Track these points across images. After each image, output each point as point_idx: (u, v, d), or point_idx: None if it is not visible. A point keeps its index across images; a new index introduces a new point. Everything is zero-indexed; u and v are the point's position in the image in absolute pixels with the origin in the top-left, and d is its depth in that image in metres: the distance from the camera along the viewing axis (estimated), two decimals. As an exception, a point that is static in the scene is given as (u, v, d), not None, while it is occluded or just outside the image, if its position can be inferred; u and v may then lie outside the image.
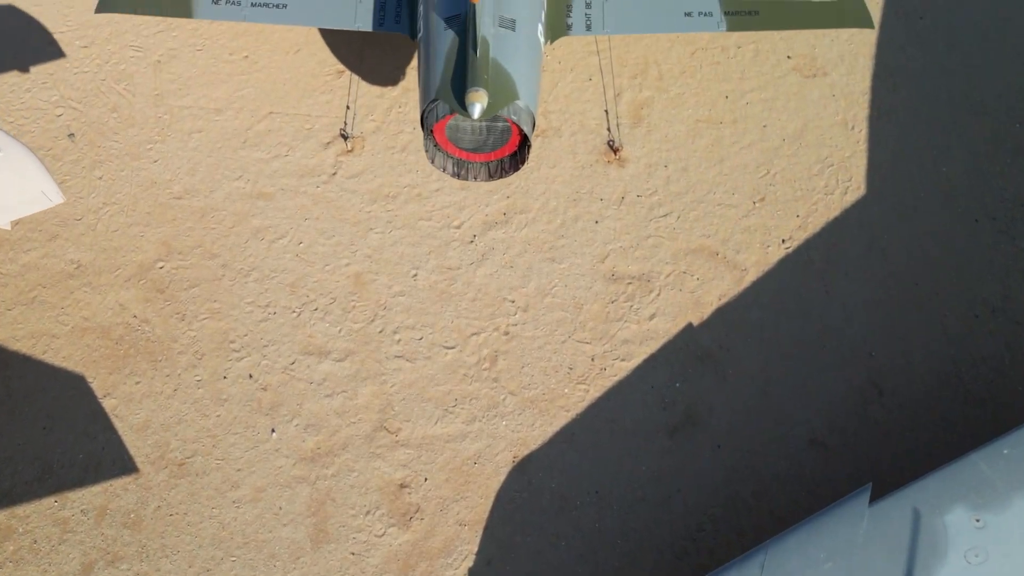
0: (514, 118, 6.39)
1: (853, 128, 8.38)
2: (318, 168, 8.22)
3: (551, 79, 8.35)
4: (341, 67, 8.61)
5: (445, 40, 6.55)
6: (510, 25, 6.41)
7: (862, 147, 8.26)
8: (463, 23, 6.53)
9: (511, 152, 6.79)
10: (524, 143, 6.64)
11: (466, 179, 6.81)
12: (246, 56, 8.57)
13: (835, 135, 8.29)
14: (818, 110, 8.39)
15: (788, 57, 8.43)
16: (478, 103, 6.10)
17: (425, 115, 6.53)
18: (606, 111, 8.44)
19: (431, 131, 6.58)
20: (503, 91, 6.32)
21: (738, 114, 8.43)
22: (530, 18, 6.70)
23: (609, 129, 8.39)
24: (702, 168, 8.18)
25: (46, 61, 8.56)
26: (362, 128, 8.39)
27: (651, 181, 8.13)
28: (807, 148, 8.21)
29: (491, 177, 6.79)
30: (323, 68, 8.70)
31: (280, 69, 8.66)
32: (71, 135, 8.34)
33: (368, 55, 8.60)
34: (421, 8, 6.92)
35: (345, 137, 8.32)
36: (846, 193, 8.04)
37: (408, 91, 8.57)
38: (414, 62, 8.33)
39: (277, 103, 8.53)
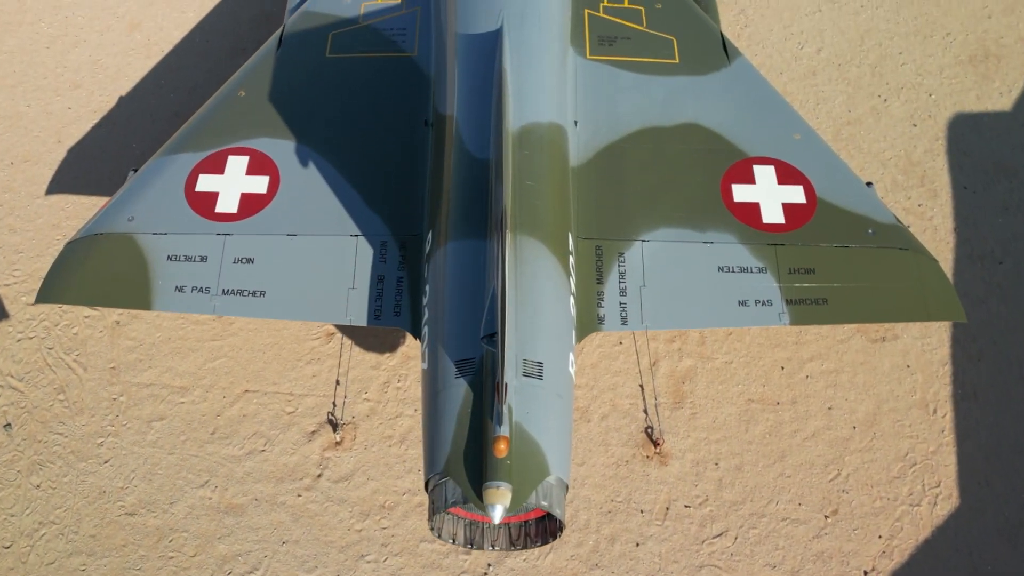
0: (544, 504, 4.49)
1: (935, 411, 6.57)
2: (300, 468, 6.36)
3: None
4: (331, 328, 6.96)
5: (456, 390, 4.69)
6: (536, 372, 4.87)
7: (948, 438, 6.42)
8: (478, 370, 4.72)
9: (538, 516, 4.85)
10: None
11: (481, 547, 5.23)
12: (219, 316, 7.18)
13: (915, 421, 6.53)
14: (892, 386, 6.68)
15: (850, 314, 6.87)
16: (500, 504, 4.46)
17: (431, 489, 4.66)
18: (641, 386, 6.93)
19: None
20: (530, 471, 4.49)
21: (797, 391, 6.67)
22: (560, 352, 4.93)
23: (646, 412, 6.88)
24: (760, 467, 6.37)
25: (-17, 327, 6.81)
26: (354, 410, 6.57)
27: (700, 485, 6.29)
28: (883, 439, 6.45)
29: (513, 545, 5.20)
30: (309, 330, 6.92)
31: (259, 332, 6.90)
32: (7, 425, 6.51)
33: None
34: (427, 337, 5.12)
35: (334, 426, 6.56)
36: (935, 504, 6.21)
37: (409, 359, 7.04)
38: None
39: (254, 377, 6.73)
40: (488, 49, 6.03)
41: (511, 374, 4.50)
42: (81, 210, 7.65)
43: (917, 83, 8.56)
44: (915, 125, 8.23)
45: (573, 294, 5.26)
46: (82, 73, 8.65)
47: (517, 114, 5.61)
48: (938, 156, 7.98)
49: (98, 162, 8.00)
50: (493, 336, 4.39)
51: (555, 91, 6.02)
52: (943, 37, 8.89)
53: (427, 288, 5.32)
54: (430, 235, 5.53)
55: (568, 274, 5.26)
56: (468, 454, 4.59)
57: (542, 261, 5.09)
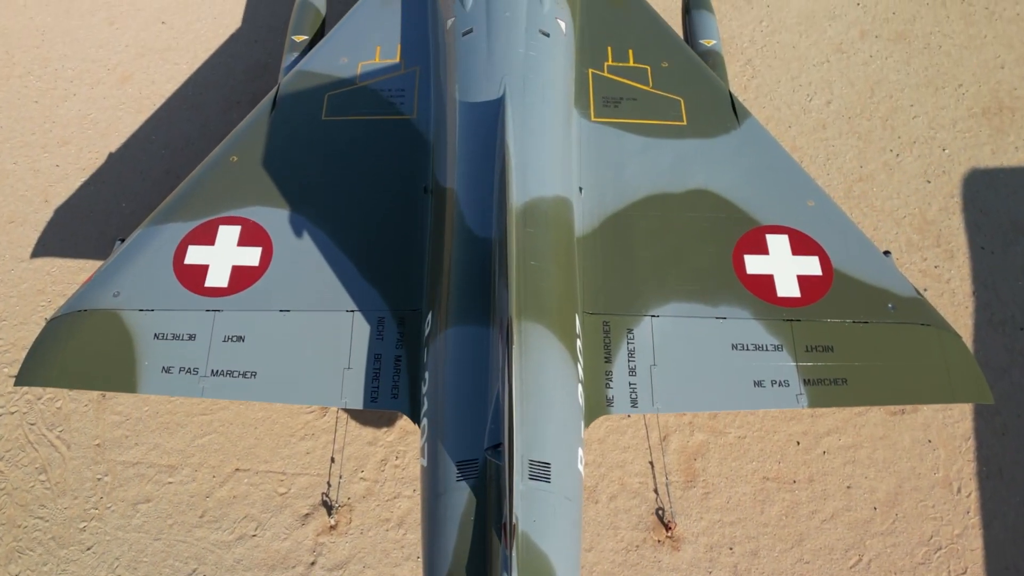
0: (553, 619, 4.47)
1: (959, 491, 6.26)
2: (293, 554, 6.01)
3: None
4: (325, 400, 6.89)
5: (458, 495, 4.37)
6: (543, 474, 4.54)
7: (974, 520, 6.13)
8: (481, 473, 4.38)
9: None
10: None
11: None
12: (209, 389, 6.81)
13: (939, 501, 6.22)
14: (913, 463, 6.37)
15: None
16: (504, 631, 4.20)
17: None
18: (651, 463, 6.61)
19: None
20: (537, 590, 4.15)
21: (814, 469, 6.35)
22: (569, 449, 4.60)
23: (657, 491, 6.56)
24: (776, 552, 6.03)
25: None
26: (350, 491, 6.23)
27: (715, 573, 5.93)
28: (906, 521, 6.14)
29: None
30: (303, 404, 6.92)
31: (250, 406, 6.59)
32: (-15, 509, 6.50)
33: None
34: (426, 430, 4.77)
35: (329, 508, 6.22)
36: (963, 593, 5.92)
37: (407, 435, 6.71)
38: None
39: (245, 455, 6.40)
40: (489, 118, 5.81)
41: (516, 479, 4.23)
42: (67, 274, 7.41)
43: (930, 137, 8.36)
44: (929, 181, 8.02)
45: (581, 381, 5.00)
46: (71, 128, 8.44)
47: (520, 189, 5.38)
48: (954, 214, 7.76)
49: (86, 223, 7.76)
50: (498, 447, 4.12)
51: (560, 162, 5.80)
52: (955, 89, 8.71)
53: (427, 375, 5.06)
54: (430, 316, 5.27)
55: (576, 360, 5.00)
56: (471, 570, 4.30)
57: (549, 350, 4.82)
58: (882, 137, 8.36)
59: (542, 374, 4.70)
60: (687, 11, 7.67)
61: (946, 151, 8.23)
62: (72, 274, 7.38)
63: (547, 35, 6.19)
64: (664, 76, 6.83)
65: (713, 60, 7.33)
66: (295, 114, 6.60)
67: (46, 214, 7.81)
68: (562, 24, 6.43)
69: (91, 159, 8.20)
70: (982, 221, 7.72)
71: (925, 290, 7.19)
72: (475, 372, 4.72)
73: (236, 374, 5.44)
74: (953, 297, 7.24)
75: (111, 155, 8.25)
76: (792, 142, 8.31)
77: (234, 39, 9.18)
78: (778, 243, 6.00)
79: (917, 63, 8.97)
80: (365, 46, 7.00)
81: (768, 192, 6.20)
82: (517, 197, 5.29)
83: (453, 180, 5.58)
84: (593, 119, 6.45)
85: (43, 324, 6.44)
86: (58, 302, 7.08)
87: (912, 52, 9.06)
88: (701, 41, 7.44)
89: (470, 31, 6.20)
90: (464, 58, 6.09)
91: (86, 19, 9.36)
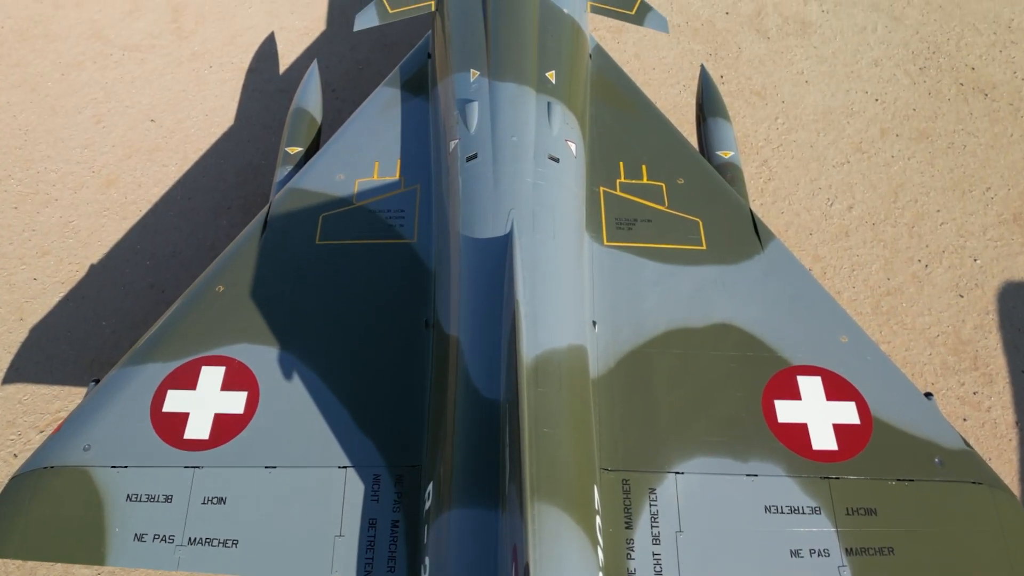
0: None
1: None
2: None
3: None
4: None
5: None
6: None
7: None
8: None
9: None
10: None
11: None
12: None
13: None
14: None
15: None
16: None
17: None
18: None
19: None
20: None
21: None
22: None
23: None
24: None
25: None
26: None
27: None
28: None
29: None
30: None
31: None
32: None
33: None
34: None
35: None
36: None
37: None
38: None
39: None
40: (495, 257, 5.41)
41: None
42: (41, 402, 6.94)
43: (959, 246, 7.97)
44: (962, 296, 7.61)
45: (601, 569, 4.52)
46: (51, 237, 8.06)
47: (531, 341, 4.95)
48: (990, 333, 7.33)
49: (63, 343, 7.33)
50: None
51: (573, 305, 5.39)
52: (983, 192, 8.36)
53: (427, 561, 4.58)
54: (431, 488, 4.81)
55: (595, 544, 4.51)
56: None
57: (566, 538, 4.34)
58: (909, 246, 7.98)
59: (560, 569, 4.22)
60: (702, 119, 7.36)
61: (977, 262, 7.84)
62: (46, 402, 6.91)
63: (556, 160, 5.84)
64: (680, 194, 6.48)
65: (731, 173, 6.99)
66: (287, 238, 6.22)
67: (20, 334, 7.38)
68: (572, 146, 6.09)
69: (71, 271, 7.80)
70: (1020, 341, 7.29)
71: (964, 420, 6.73)
72: (482, 565, 4.25)
73: (216, 542, 4.96)
74: (995, 428, 6.78)
75: (93, 267, 7.85)
76: (814, 251, 7.92)
77: (225, 138, 8.87)
78: (811, 386, 5.57)
79: (941, 164, 8.64)
80: (362, 161, 6.66)
81: (797, 327, 5.79)
82: (528, 351, 4.87)
83: (457, 327, 5.16)
84: (606, 243, 6.07)
85: (11, 461, 5.97)
86: (29, 436, 6.62)
87: (935, 152, 8.74)
88: (718, 152, 7.11)
89: (474, 156, 5.86)
90: (468, 186, 5.72)
91: (72, 117, 9.06)
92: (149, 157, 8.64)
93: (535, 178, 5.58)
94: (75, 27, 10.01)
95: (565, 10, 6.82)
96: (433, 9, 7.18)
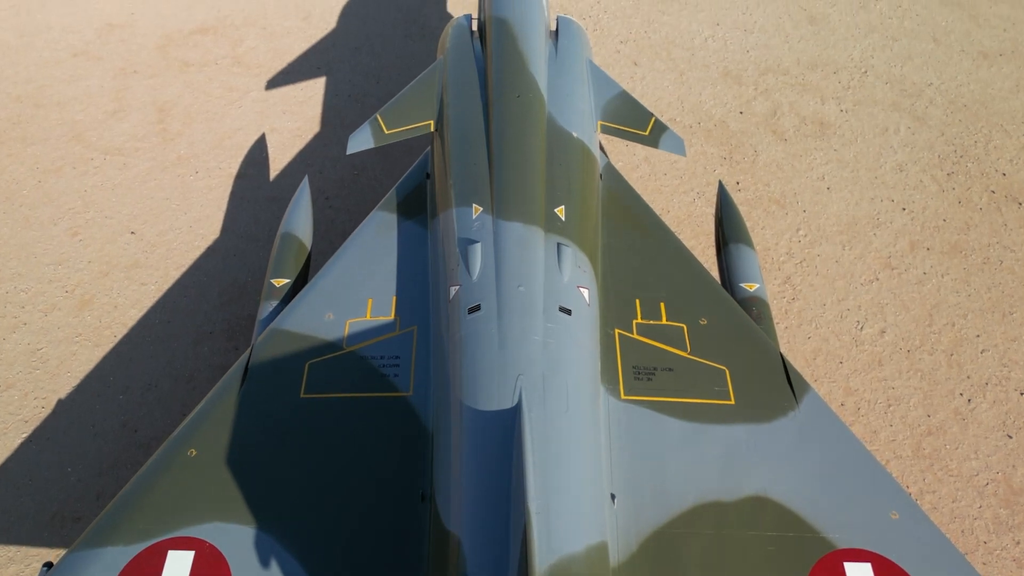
0: None
1: None
2: None
3: None
4: None
5: None
6: None
7: None
8: None
9: None
10: None
11: None
12: None
13: None
14: None
15: None
16: None
17: None
18: None
19: None
20: None
21: None
22: None
23: None
24: None
25: None
26: None
27: None
28: None
29: None
30: None
31: None
32: None
33: None
34: None
35: None
36: None
37: None
38: None
39: None
40: (502, 433, 4.81)
41: None
42: (-6, 566, 6.29)
43: (1003, 377, 7.40)
44: (1010, 436, 7.02)
45: None
46: (17, 368, 7.48)
47: (544, 548, 4.35)
48: (1045, 481, 6.72)
49: (23, 496, 6.69)
50: None
51: (592, 492, 4.79)
52: (1025, 315, 7.82)
53: None
54: None
55: None
56: None
57: None
58: (949, 377, 7.41)
59: None
60: (723, 244, 6.85)
61: (1025, 395, 7.27)
62: (1, 567, 6.27)
63: (568, 313, 5.30)
64: (704, 337, 5.92)
65: (758, 309, 6.45)
66: (269, 391, 5.65)
67: (-26, 483, 6.76)
68: (585, 293, 5.56)
69: (36, 408, 7.21)
70: (1080, 491, 6.68)
71: (1025, 587, 6.09)
72: None
73: None
74: (1058, 597, 6.13)
75: (60, 402, 7.26)
76: (846, 383, 7.35)
77: (210, 253, 8.36)
78: (860, 575, 4.96)
79: (978, 282, 8.12)
80: (354, 299, 6.13)
81: (841, 500, 5.18)
82: (541, 560, 4.26)
83: (458, 523, 4.54)
84: (623, 396, 5.50)
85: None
86: (-23, 608, 5.96)
87: (970, 268, 8.22)
88: (742, 285, 6.58)
89: (477, 308, 5.32)
90: (471, 345, 5.16)
91: (47, 230, 8.57)
92: (127, 274, 8.12)
93: (545, 336, 5.03)
94: (55, 129, 9.60)
95: (574, 134, 6.37)
96: (433, 129, 6.73)
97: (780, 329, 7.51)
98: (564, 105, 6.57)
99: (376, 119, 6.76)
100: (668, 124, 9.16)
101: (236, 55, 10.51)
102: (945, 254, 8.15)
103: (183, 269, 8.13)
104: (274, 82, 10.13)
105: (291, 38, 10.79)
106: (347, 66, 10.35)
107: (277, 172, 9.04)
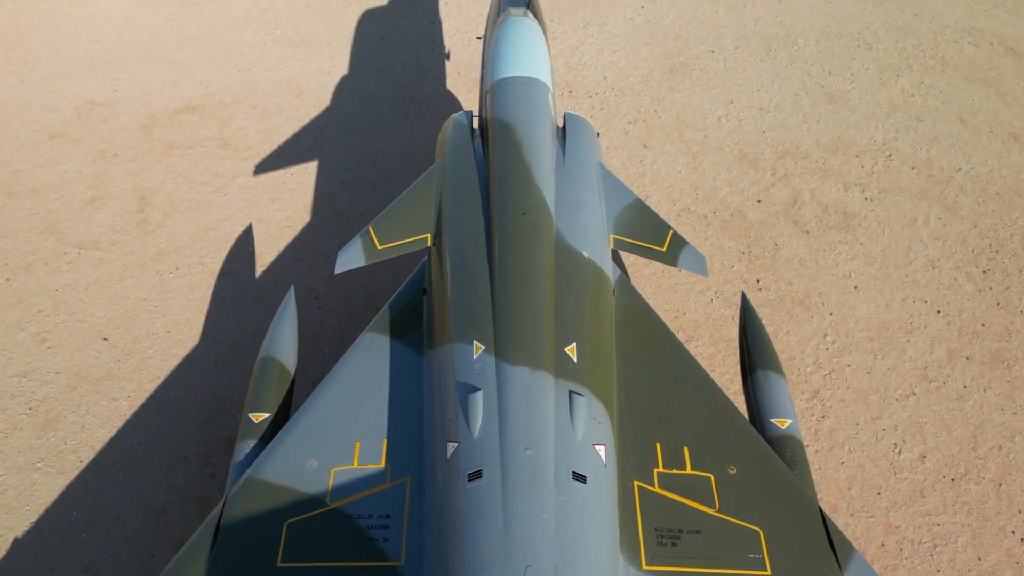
0: None
1: None
2: None
3: None
4: None
5: None
6: None
7: None
8: None
9: None
10: None
11: None
12: None
13: None
14: None
15: None
16: None
17: None
18: None
19: None
20: None
21: None
22: None
23: None
24: None
25: None
26: None
27: None
28: None
29: None
30: None
31: None
32: None
33: None
34: None
35: None
36: None
37: None
38: None
39: None
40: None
41: None
42: None
43: (1060, 511, 6.74)
44: (1073, 585, 6.34)
45: None
46: (-30, 500, 6.82)
47: None
48: (1115, 640, 6.03)
49: (-33, 655, 6.00)
50: None
51: None
52: (1079, 438, 7.18)
53: None
54: None
55: None
56: None
57: None
58: (999, 511, 6.75)
59: None
60: (750, 370, 6.25)
61: (1085, 535, 6.60)
62: None
63: (583, 480, 4.68)
64: (734, 490, 5.28)
65: (791, 451, 5.83)
66: (241, 557, 5.00)
67: (-85, 644, 6.07)
68: (601, 451, 4.94)
69: (-12, 550, 6.54)
70: None
71: None
72: None
73: None
74: None
75: (17, 541, 6.61)
76: (885, 518, 6.69)
77: (188, 362, 7.76)
78: None
79: (1023, 397, 7.50)
80: (340, 443, 5.51)
81: None
82: None
83: None
84: (645, 567, 4.85)
85: None
86: None
87: (1015, 382, 7.60)
88: (772, 420, 5.96)
89: (478, 475, 4.70)
90: (471, 521, 4.53)
91: (12, 335, 7.97)
92: (97, 388, 7.51)
93: (557, 514, 4.41)
94: (28, 219, 9.06)
95: (585, 254, 5.80)
96: (430, 244, 6.18)
97: (810, 453, 6.89)
98: (573, 220, 6.01)
99: (368, 232, 6.21)
100: (683, 212, 8.64)
101: (224, 136, 10.01)
102: (986, 364, 7.55)
103: (158, 381, 7.52)
104: (263, 166, 9.61)
105: (282, 117, 10.30)
106: (341, 148, 9.85)
107: (263, 268, 8.48)
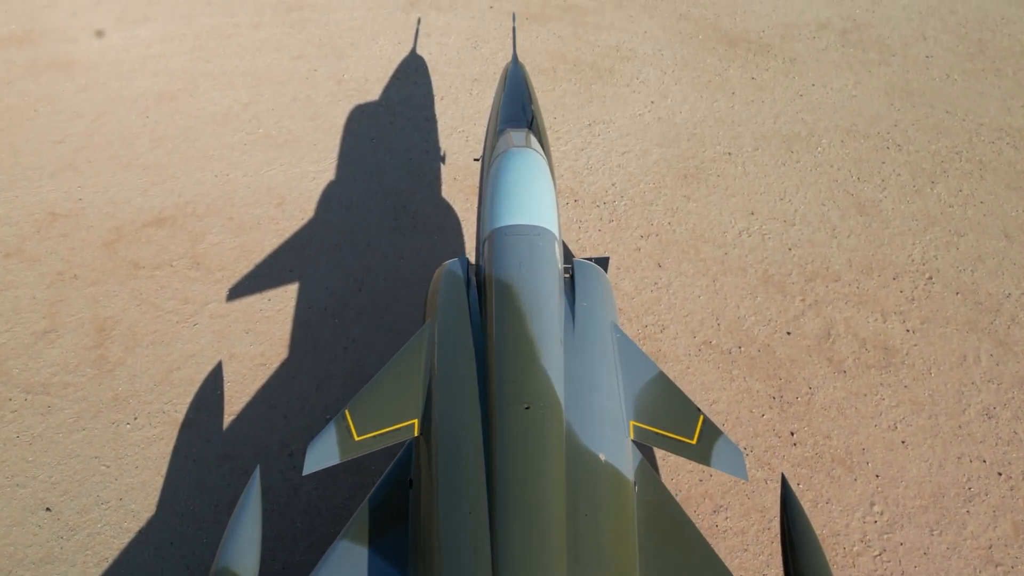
0: None
1: None
2: None
3: None
4: None
5: None
6: None
7: None
8: None
9: None
10: None
11: None
12: None
13: None
14: None
15: None
16: None
17: None
18: None
19: None
20: None
21: None
22: None
23: None
24: None
25: None
26: None
27: None
28: None
29: None
30: None
31: None
32: None
33: None
34: None
35: None
36: None
37: None
38: None
39: None
40: None
41: None
42: None
43: None
44: None
45: None
46: None
47: None
48: None
49: None
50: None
51: None
52: None
53: None
54: None
55: None
56: None
57: None
58: None
59: None
60: (790, 543, 5.29)
61: None
62: None
63: None
64: None
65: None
66: None
67: None
68: None
69: None
70: None
71: None
72: None
73: None
74: None
75: None
76: None
77: (141, 540, 6.79)
78: None
79: (1108, 589, 6.49)
80: None
81: None
82: None
83: None
84: None
85: None
86: None
87: (1096, 568, 6.60)
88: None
89: None
90: None
91: (-59, 506, 6.98)
92: (35, 573, 6.51)
93: None
94: (-29, 357, 8.14)
95: (602, 457, 4.89)
96: (417, 433, 5.27)
97: (864, 664, 5.87)
98: (587, 410, 5.10)
99: (344, 418, 5.29)
100: (705, 347, 7.76)
101: (195, 254, 9.16)
102: (1062, 545, 6.57)
103: (104, 566, 6.57)
104: (237, 290, 8.74)
105: (261, 231, 9.46)
106: (324, 268, 8.99)
107: (232, 417, 7.56)
